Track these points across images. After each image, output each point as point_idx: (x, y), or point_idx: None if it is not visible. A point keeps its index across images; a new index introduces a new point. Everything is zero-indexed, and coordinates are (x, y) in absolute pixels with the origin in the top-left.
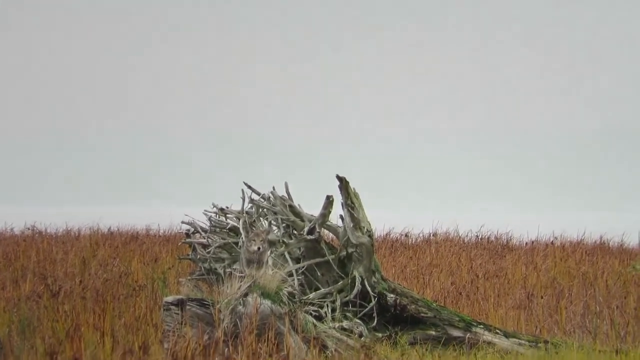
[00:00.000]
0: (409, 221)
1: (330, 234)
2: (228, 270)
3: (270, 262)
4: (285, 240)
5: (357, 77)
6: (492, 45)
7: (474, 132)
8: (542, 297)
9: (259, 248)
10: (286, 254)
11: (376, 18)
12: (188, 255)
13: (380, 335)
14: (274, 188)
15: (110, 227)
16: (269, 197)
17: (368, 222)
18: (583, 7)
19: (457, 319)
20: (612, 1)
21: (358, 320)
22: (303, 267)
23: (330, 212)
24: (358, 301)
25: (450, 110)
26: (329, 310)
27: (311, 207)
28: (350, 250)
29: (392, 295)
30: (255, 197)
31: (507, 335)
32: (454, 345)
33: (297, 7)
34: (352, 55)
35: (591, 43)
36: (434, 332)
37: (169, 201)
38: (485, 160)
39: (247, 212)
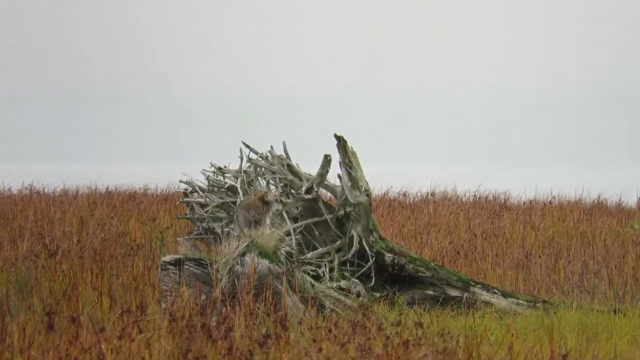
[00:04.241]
0: (408, 178)
1: (328, 193)
2: (226, 229)
3: (268, 222)
4: (283, 199)
5: (352, 29)
6: (488, 5)
7: (471, 89)
8: (540, 257)
9: (277, 200)
10: (284, 213)
11: None
12: (186, 214)
13: (378, 294)
14: (272, 147)
15: (108, 187)
16: (267, 156)
17: (366, 181)
18: None
19: (455, 278)
20: None
21: (356, 280)
22: (301, 226)
23: (328, 171)
24: (356, 261)
25: (447, 66)
26: (327, 270)
27: (309, 167)
28: (348, 209)
29: (390, 255)
30: (253, 156)
31: (505, 295)
32: (452, 304)
33: None
34: (346, 8)
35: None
36: (432, 292)
37: (167, 160)
38: (484, 117)
39: (245, 172)
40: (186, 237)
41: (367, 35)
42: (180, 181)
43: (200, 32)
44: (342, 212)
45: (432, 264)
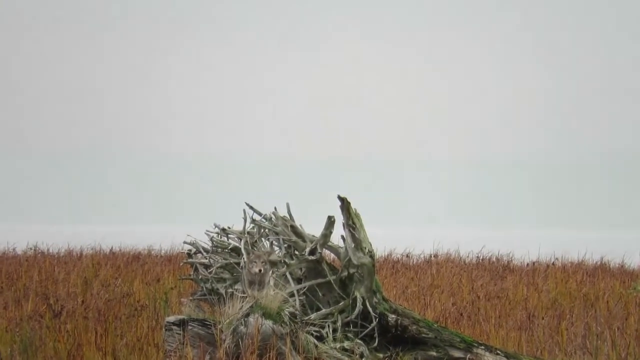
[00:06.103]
0: (411, 240)
1: (332, 255)
2: (230, 290)
3: (271, 283)
4: (286, 260)
5: (360, 96)
6: (504, 74)
7: (475, 153)
8: (543, 318)
9: (260, 270)
10: (287, 274)
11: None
12: (190, 275)
13: (381, 355)
14: (275, 208)
15: (112, 247)
16: (271, 218)
17: (369, 242)
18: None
19: (458, 339)
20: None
21: (359, 341)
22: (304, 287)
23: (331, 232)
24: (359, 322)
25: (451, 132)
26: (330, 331)
27: (313, 228)
28: (351, 270)
29: (393, 316)
30: (257, 217)
31: (508, 356)
32: None
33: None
34: (357, 77)
35: (605, 71)
36: (435, 353)
37: (171, 221)
38: (490, 181)
39: (248, 233)
40: (190, 298)
41: (368, 102)
42: (184, 242)
43: (198, 94)
44: (345, 273)
45: (435, 325)
